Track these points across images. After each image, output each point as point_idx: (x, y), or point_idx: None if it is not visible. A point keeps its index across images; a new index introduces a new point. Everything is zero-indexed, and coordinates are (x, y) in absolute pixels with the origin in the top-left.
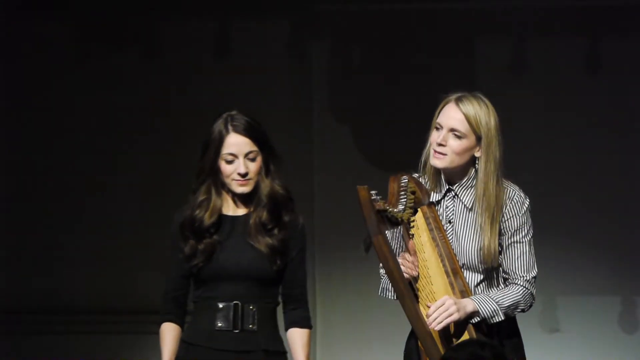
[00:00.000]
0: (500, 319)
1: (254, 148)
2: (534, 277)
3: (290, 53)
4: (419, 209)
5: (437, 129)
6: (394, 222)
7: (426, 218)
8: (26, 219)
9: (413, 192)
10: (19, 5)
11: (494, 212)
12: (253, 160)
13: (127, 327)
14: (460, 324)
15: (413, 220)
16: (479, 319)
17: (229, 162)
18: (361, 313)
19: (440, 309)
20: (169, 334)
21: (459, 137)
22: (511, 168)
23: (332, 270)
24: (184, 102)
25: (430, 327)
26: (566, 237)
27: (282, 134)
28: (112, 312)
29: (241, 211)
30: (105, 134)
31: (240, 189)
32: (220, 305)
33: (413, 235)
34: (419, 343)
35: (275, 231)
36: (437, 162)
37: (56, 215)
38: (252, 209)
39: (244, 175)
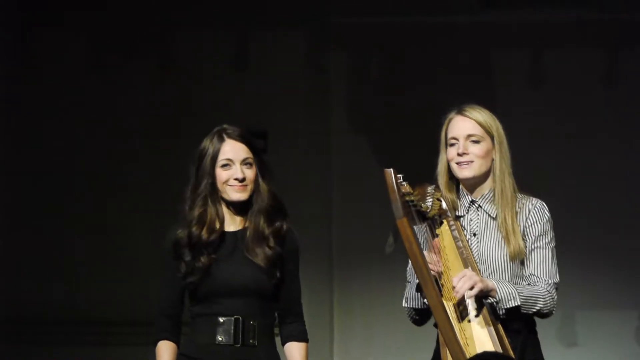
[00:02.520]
0: (516, 304)
1: (250, 155)
2: (556, 284)
3: (307, 65)
4: (444, 220)
5: (452, 144)
6: (420, 215)
7: (452, 230)
8: (30, 227)
9: (439, 200)
10: (35, 17)
11: (513, 210)
12: (249, 166)
13: (131, 338)
14: (478, 306)
15: (438, 222)
16: (495, 300)
17: (226, 168)
18: (379, 326)
19: (463, 278)
20: (166, 352)
21: (477, 142)
22: (528, 181)
23: (352, 281)
24: (200, 114)
25: (456, 295)
26: (584, 251)
27: (300, 146)
28: (118, 323)
29: (238, 225)
30: (120, 143)
31: (237, 195)
32: (221, 320)
33: (438, 235)
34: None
35: (271, 242)
36: (465, 172)
37: (62, 223)
38: (248, 223)
39: (241, 181)
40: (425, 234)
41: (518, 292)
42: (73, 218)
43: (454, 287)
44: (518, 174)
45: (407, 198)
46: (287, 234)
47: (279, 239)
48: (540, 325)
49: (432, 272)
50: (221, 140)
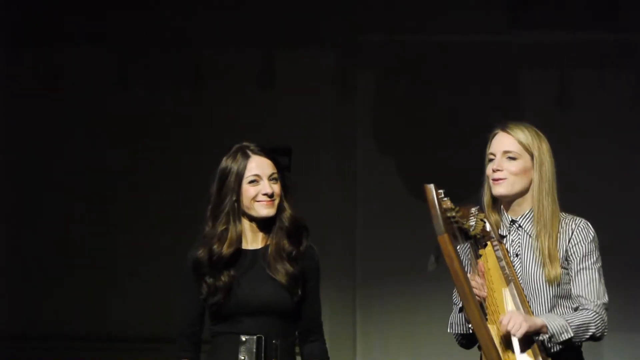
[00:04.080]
0: (569, 336)
1: (276, 170)
2: (605, 304)
3: (334, 83)
4: (488, 242)
5: (490, 159)
6: (463, 234)
7: (495, 250)
8: (35, 242)
9: (482, 220)
10: (64, 35)
11: (554, 233)
12: (276, 181)
13: (136, 354)
14: (526, 342)
15: (482, 244)
16: (547, 336)
17: (253, 184)
18: (401, 347)
19: (510, 322)
20: None
21: (513, 159)
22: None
23: (374, 300)
24: (226, 133)
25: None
26: (616, 274)
27: (326, 165)
28: (121, 339)
29: (260, 243)
30: (144, 162)
31: (265, 211)
32: (244, 339)
33: (481, 256)
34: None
35: (293, 259)
36: (498, 188)
37: (67, 238)
38: (270, 240)
39: (270, 196)
40: (469, 254)
41: (569, 323)
42: (92, 237)
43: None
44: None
45: (448, 214)
46: (307, 251)
47: (300, 257)
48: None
49: (476, 296)
50: (246, 156)
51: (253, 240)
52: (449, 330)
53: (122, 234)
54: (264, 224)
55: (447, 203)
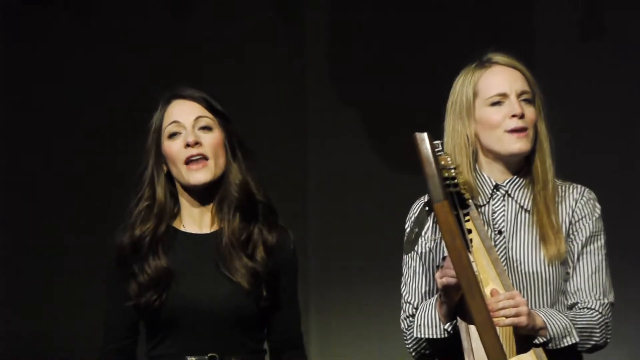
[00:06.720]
0: (573, 341)
1: (207, 114)
2: (611, 305)
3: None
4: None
5: (498, 103)
6: (461, 202)
7: (476, 224)
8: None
9: (465, 184)
10: None
11: (552, 198)
12: (208, 131)
13: None
14: (524, 346)
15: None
16: (546, 339)
17: (174, 137)
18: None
19: (511, 301)
20: None
21: (531, 102)
22: (570, 165)
23: (331, 295)
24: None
25: (496, 321)
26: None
27: (270, 123)
28: None
29: (207, 227)
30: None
31: (194, 176)
32: None
33: (471, 232)
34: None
35: (257, 251)
36: (522, 145)
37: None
38: (223, 222)
39: (194, 145)
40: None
41: (574, 325)
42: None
43: (493, 309)
44: None
45: (445, 174)
46: (279, 242)
47: (266, 248)
48: None
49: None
50: (167, 102)
51: (199, 221)
52: (415, 334)
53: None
54: (210, 198)
55: (446, 160)
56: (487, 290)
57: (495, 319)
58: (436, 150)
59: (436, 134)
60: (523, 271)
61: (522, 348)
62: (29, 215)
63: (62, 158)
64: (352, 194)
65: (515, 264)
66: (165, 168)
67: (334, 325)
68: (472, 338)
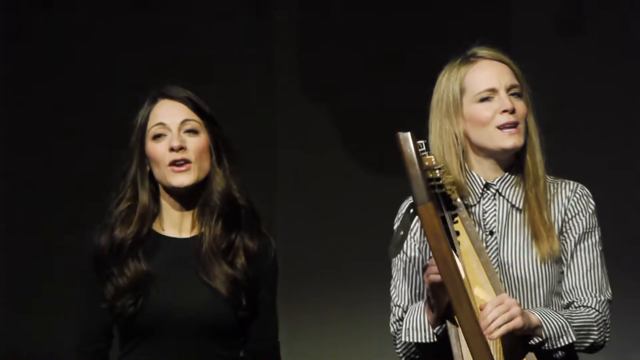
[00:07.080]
0: (570, 341)
1: (194, 117)
2: (609, 302)
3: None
4: (457, 215)
5: (487, 98)
6: (447, 203)
7: (467, 227)
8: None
9: (452, 184)
10: None
11: (544, 195)
12: (194, 134)
13: None
14: (520, 350)
15: (455, 218)
16: (542, 339)
17: (159, 139)
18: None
19: (500, 307)
20: None
21: (519, 96)
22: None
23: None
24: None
25: (488, 334)
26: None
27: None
28: None
29: (187, 231)
30: None
31: (176, 178)
32: None
33: (459, 233)
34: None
35: (238, 258)
36: (515, 140)
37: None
38: (204, 227)
39: (178, 150)
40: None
41: (570, 323)
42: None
43: (483, 318)
44: None
45: (430, 175)
46: (260, 249)
47: (247, 255)
48: None
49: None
50: (154, 101)
51: (179, 224)
52: (404, 339)
53: None
54: (192, 202)
55: (431, 160)
56: (476, 293)
57: (489, 335)
58: (420, 150)
59: (410, 131)
60: (515, 273)
61: (512, 356)
62: (28, 215)
63: (62, 158)
64: (324, 196)
65: (506, 266)
66: (148, 168)
67: (305, 331)
68: (462, 344)
